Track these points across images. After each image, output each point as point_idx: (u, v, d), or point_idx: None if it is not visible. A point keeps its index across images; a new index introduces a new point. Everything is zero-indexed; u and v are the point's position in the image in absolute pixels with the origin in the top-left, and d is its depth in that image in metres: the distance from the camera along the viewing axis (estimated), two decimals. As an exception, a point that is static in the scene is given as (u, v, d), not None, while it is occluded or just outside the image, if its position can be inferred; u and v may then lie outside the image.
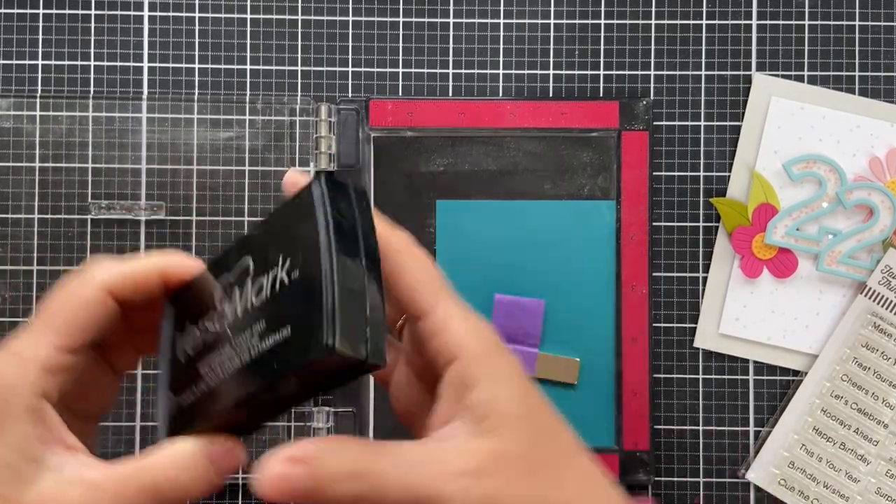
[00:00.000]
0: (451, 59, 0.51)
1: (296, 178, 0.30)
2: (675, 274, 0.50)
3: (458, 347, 0.28)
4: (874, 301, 0.49)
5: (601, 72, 0.51)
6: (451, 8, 0.51)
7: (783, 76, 0.50)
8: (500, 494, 0.27)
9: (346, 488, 0.26)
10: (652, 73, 0.51)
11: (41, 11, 0.50)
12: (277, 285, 0.27)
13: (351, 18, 0.51)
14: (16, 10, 0.50)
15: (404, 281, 0.29)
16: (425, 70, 0.51)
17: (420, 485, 0.26)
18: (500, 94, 0.51)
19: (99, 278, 0.29)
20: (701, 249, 0.50)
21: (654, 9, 0.51)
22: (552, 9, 0.51)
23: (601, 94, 0.51)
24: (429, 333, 0.29)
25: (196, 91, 0.50)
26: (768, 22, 0.51)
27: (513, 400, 0.28)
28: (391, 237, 0.29)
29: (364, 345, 0.25)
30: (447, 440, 0.28)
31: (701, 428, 0.50)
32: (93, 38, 0.50)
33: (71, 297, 0.29)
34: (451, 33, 0.51)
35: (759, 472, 0.50)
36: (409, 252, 0.29)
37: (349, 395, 0.49)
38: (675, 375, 0.50)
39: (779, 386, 0.50)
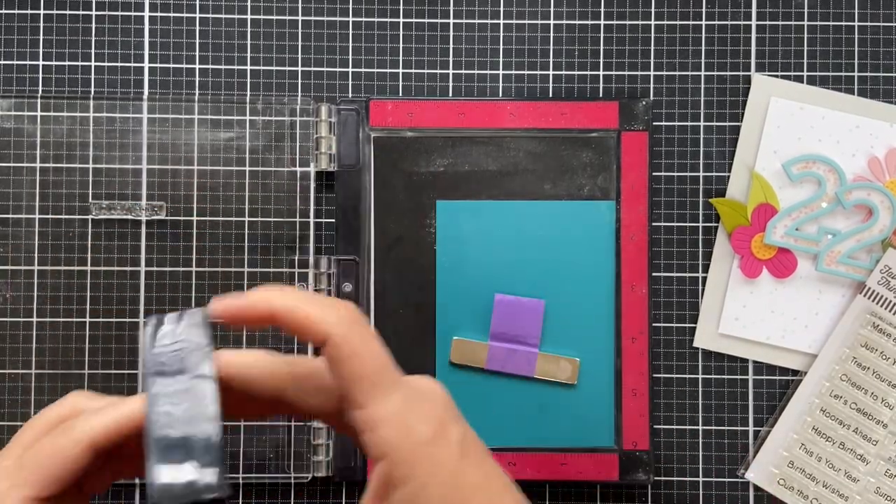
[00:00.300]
0: (451, 59, 0.51)
1: (225, 305, 0.30)
2: (675, 274, 0.50)
3: (385, 448, 0.29)
4: (873, 301, 0.49)
5: (601, 72, 0.51)
6: (451, 8, 0.51)
7: (783, 76, 0.51)
8: None
9: None
10: (652, 73, 0.51)
11: (42, 12, 0.50)
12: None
13: (351, 19, 0.51)
14: (16, 11, 0.50)
15: (341, 374, 0.30)
16: (425, 70, 0.51)
17: None
18: (500, 94, 0.51)
19: (86, 438, 0.29)
20: (700, 249, 0.50)
21: (653, 9, 0.51)
22: (552, 9, 0.51)
23: (601, 95, 0.51)
24: (360, 428, 0.30)
25: (196, 91, 0.50)
26: (768, 22, 0.51)
27: (433, 497, 0.29)
28: (329, 333, 0.29)
29: (185, 487, 0.25)
30: None
31: (700, 427, 0.50)
32: (93, 39, 0.50)
33: (55, 454, 0.29)
34: (451, 33, 0.51)
35: (759, 472, 0.50)
36: (344, 345, 0.30)
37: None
38: (674, 375, 0.50)
39: (778, 386, 0.50)
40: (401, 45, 0.51)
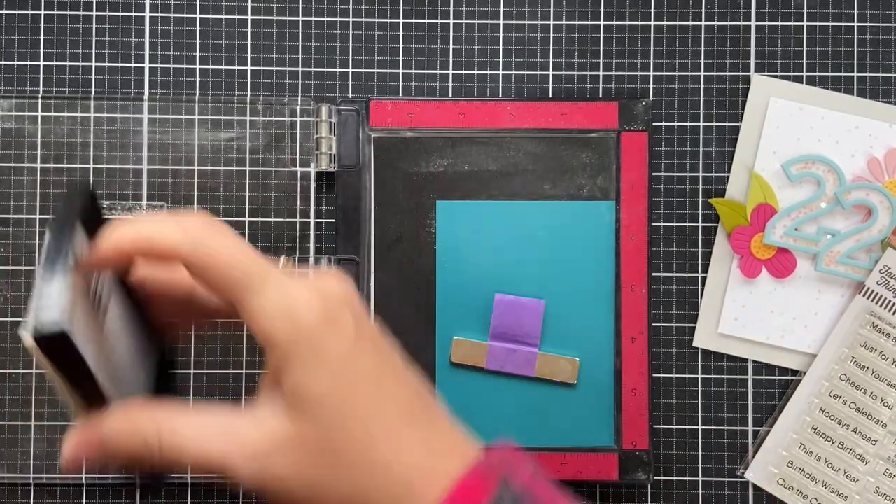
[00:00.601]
0: (451, 59, 0.51)
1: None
2: (675, 274, 0.50)
3: (268, 338, 0.29)
4: (872, 301, 0.49)
5: (601, 72, 0.51)
6: (451, 8, 0.51)
7: (782, 77, 0.51)
8: (289, 478, 0.29)
9: (134, 446, 0.30)
10: (651, 73, 0.51)
11: (42, 12, 0.50)
12: None
13: (351, 19, 0.51)
14: (17, 11, 0.50)
15: (208, 286, 0.30)
16: (425, 70, 0.51)
17: (215, 457, 0.29)
18: (500, 95, 0.51)
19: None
20: (700, 249, 0.51)
21: (653, 9, 0.51)
22: (552, 9, 0.51)
23: (601, 95, 0.51)
24: (246, 323, 0.30)
25: (197, 92, 0.50)
26: (767, 23, 0.51)
27: (321, 383, 0.29)
28: (180, 252, 0.30)
29: (36, 329, 0.29)
30: (252, 417, 0.30)
31: (700, 427, 0.50)
32: (94, 39, 0.50)
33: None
34: (451, 33, 0.51)
35: (758, 472, 0.50)
36: (198, 257, 0.30)
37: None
38: (674, 375, 0.50)
39: (777, 385, 0.50)
40: (401, 45, 0.51)
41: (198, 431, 0.30)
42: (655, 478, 0.50)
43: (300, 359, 0.29)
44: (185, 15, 0.50)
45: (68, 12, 0.50)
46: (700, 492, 0.50)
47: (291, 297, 0.30)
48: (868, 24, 0.51)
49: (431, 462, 0.30)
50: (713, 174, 0.51)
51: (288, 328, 0.29)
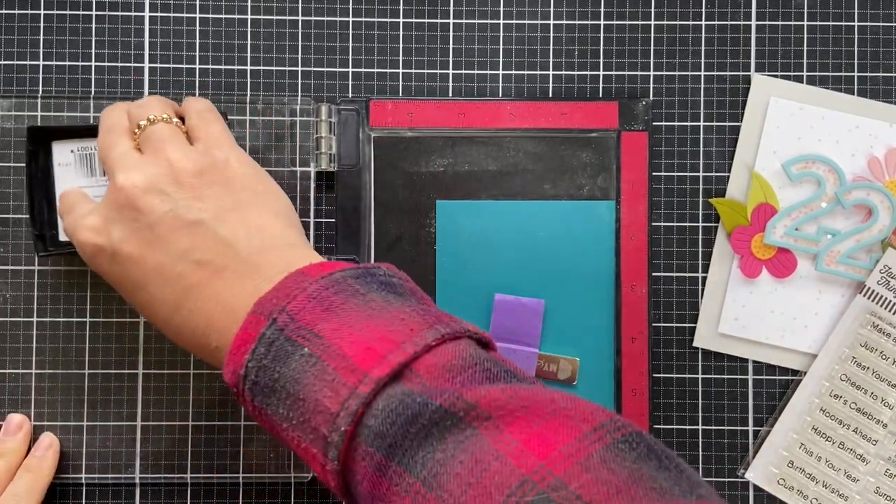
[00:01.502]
0: (451, 59, 0.51)
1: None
2: (675, 274, 0.50)
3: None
4: (873, 301, 0.49)
5: (601, 72, 0.51)
6: (451, 8, 0.51)
7: (782, 77, 0.51)
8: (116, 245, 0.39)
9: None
10: (651, 73, 0.51)
11: (42, 12, 0.50)
12: None
13: (351, 19, 0.51)
14: (17, 11, 0.50)
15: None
16: (425, 70, 0.51)
17: (71, 233, 0.42)
18: (500, 95, 0.51)
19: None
20: (700, 249, 0.50)
21: (653, 9, 0.51)
22: (552, 9, 0.51)
23: (601, 95, 0.51)
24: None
25: (197, 92, 0.50)
26: (767, 22, 0.51)
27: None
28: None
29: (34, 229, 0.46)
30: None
31: (700, 427, 0.50)
32: (94, 39, 0.50)
33: None
34: (451, 33, 0.51)
35: (759, 472, 0.50)
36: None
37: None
38: (674, 375, 0.50)
39: (778, 385, 0.50)
40: (401, 45, 0.51)
41: (73, 213, 0.42)
42: (656, 478, 0.50)
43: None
44: (185, 15, 0.50)
45: (68, 12, 0.50)
46: (700, 492, 0.50)
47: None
48: (868, 23, 0.51)
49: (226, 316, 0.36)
50: (713, 174, 0.51)
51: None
